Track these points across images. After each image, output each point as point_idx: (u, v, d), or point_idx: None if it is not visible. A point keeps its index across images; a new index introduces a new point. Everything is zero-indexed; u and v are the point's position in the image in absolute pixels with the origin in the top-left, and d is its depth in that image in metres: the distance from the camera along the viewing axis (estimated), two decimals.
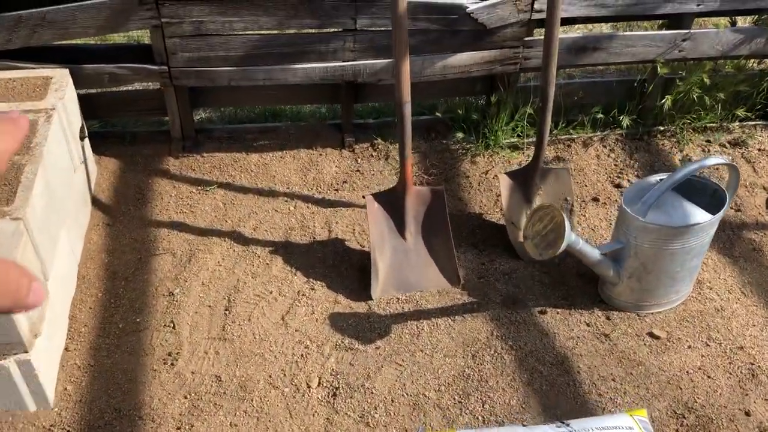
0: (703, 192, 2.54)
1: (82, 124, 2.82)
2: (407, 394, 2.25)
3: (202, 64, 2.82)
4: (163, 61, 2.80)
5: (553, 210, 2.17)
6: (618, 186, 3.18)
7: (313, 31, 2.83)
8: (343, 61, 2.91)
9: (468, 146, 3.30)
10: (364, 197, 2.65)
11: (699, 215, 2.35)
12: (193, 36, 2.73)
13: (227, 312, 2.50)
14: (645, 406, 2.19)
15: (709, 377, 2.33)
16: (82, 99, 2.93)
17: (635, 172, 3.25)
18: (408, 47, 2.35)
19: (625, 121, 3.32)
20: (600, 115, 3.36)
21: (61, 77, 2.68)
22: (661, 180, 2.47)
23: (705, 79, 3.22)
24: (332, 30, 2.84)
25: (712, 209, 2.44)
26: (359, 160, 3.24)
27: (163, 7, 2.63)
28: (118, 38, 3.50)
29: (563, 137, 3.39)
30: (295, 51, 2.85)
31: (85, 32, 2.64)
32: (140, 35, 3.46)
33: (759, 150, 3.42)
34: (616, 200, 3.09)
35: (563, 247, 2.13)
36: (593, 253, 2.36)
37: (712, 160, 2.41)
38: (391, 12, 2.29)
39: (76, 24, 2.61)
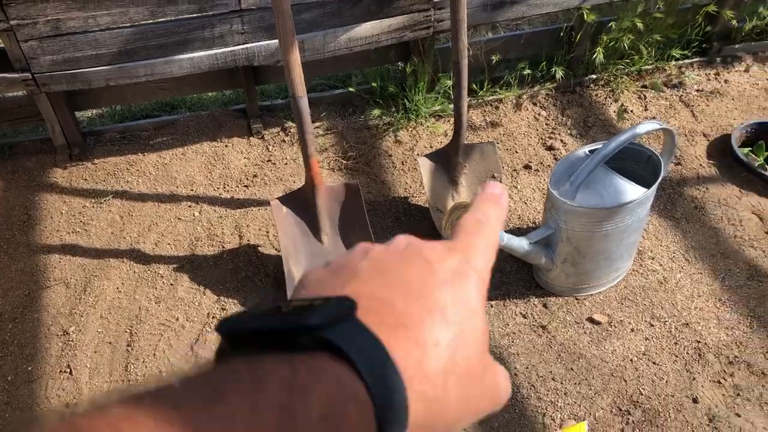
0: (637, 159, 2.33)
1: None
2: None
3: (71, 66, 2.47)
4: (24, 67, 2.44)
5: None
6: (550, 148, 2.96)
7: (194, 15, 2.48)
8: (234, 45, 2.58)
9: (388, 120, 3.03)
10: (270, 203, 2.39)
11: (632, 191, 2.14)
12: (52, 36, 2.37)
13: (129, 348, 2.25)
14: (588, 412, 2.03)
15: (654, 363, 2.18)
16: None
17: (568, 131, 3.03)
18: (294, 35, 2.05)
19: (559, 72, 3.07)
20: (527, 71, 3.10)
21: None
22: (590, 153, 2.25)
23: (638, 24, 2.97)
24: (216, 12, 2.49)
25: (648, 178, 2.25)
26: (270, 147, 2.95)
27: (9, 8, 2.26)
28: None
29: (490, 98, 3.14)
30: (177, 40, 2.51)
31: None
32: None
33: (697, 91, 3.22)
34: (549, 166, 2.88)
35: None
36: (521, 245, 2.16)
37: (644, 128, 2.19)
38: None
39: None
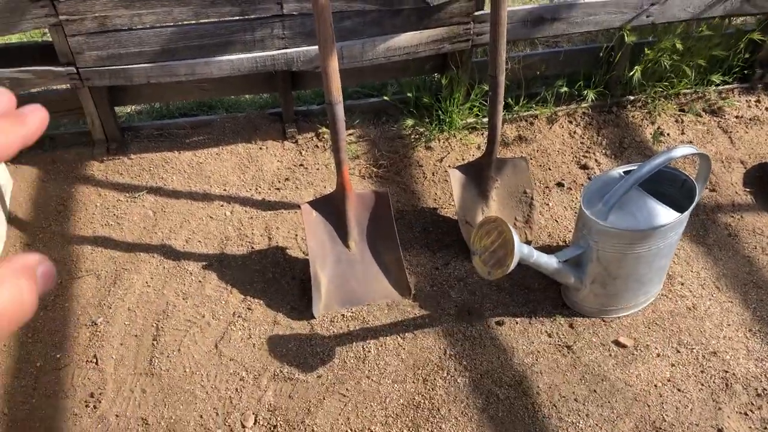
0: (672, 182, 2.31)
1: None
2: (351, 430, 2.05)
3: (114, 62, 2.52)
4: (70, 61, 2.50)
5: (501, 224, 1.93)
6: (584, 167, 2.94)
7: (236, 18, 2.52)
8: (274, 50, 2.62)
9: (421, 131, 3.04)
10: (300, 206, 2.40)
11: (665, 215, 2.12)
12: (98, 33, 2.42)
13: (155, 342, 2.28)
14: None
15: (679, 390, 2.14)
16: None
17: (603, 150, 3.01)
18: (334, 43, 2.07)
19: (590, 95, 3.05)
20: (564, 89, 3.09)
21: None
22: (625, 174, 2.23)
23: (677, 45, 2.94)
24: (258, 16, 2.53)
25: (682, 202, 2.22)
26: (303, 152, 2.97)
27: (59, 4, 2.32)
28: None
29: (525, 114, 3.13)
30: (219, 42, 2.55)
31: None
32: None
33: (737, 117, 3.17)
34: (582, 184, 2.86)
35: (513, 266, 1.91)
36: (550, 263, 2.14)
37: (680, 152, 2.16)
38: (312, 4, 1.99)
39: None
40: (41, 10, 2.32)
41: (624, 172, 2.26)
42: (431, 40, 2.72)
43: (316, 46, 2.63)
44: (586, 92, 3.04)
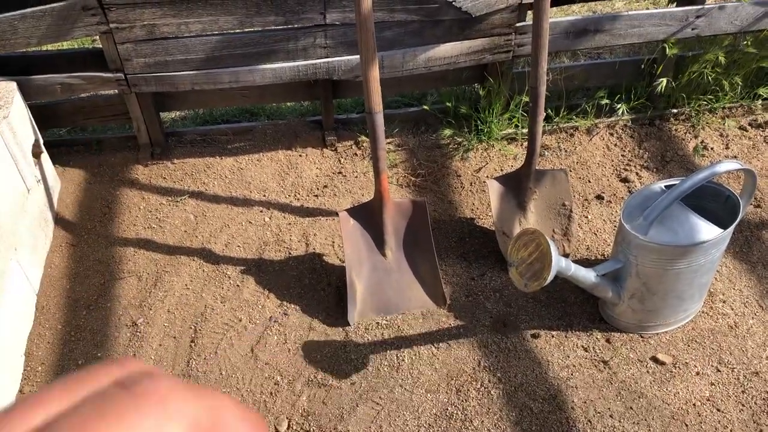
0: (715, 198, 2.27)
1: (37, 140, 2.62)
2: None
3: (161, 69, 2.58)
4: (118, 67, 2.57)
5: (538, 237, 1.92)
6: (625, 180, 2.90)
7: (279, 28, 2.56)
8: (316, 59, 2.65)
9: (460, 140, 3.04)
10: (338, 214, 2.43)
11: (707, 231, 2.08)
12: (147, 40, 2.49)
13: (193, 344, 2.32)
14: None
15: (718, 410, 2.10)
16: (38, 108, 2.73)
17: (644, 164, 2.97)
18: (376, 51, 2.09)
19: (625, 108, 3.02)
20: (605, 100, 3.06)
21: (6, 92, 2.47)
22: (666, 188, 2.20)
23: (721, 58, 2.89)
24: (301, 26, 2.57)
25: (725, 218, 2.18)
26: (342, 160, 3.00)
27: (110, 12, 2.39)
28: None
29: (565, 125, 3.11)
30: (262, 50, 2.60)
31: (27, 42, 2.41)
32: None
33: None
34: (622, 197, 2.82)
35: (550, 279, 1.90)
36: (588, 277, 2.12)
37: (724, 167, 2.12)
38: (355, 14, 2.02)
39: (16, 34, 2.38)
40: (93, 18, 2.39)
41: (665, 186, 2.23)
42: (472, 51, 2.72)
43: (358, 56, 2.66)
44: (620, 106, 3.00)
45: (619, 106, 3.01)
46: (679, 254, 2.08)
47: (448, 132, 3.00)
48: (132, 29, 2.45)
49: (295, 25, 2.56)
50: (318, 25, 2.56)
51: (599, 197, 2.84)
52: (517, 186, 2.58)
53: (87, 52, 2.85)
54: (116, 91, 2.71)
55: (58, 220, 2.75)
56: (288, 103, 3.31)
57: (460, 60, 2.75)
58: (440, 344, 2.30)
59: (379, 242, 2.45)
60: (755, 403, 2.11)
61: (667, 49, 2.83)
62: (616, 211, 2.77)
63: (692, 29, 2.83)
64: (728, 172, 2.17)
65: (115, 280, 2.54)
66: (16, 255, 2.31)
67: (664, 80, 2.93)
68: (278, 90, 2.90)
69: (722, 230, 2.09)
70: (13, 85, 2.51)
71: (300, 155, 3.01)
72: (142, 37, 2.48)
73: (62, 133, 3.14)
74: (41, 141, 2.66)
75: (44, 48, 2.85)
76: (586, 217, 2.76)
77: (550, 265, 1.88)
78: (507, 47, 2.74)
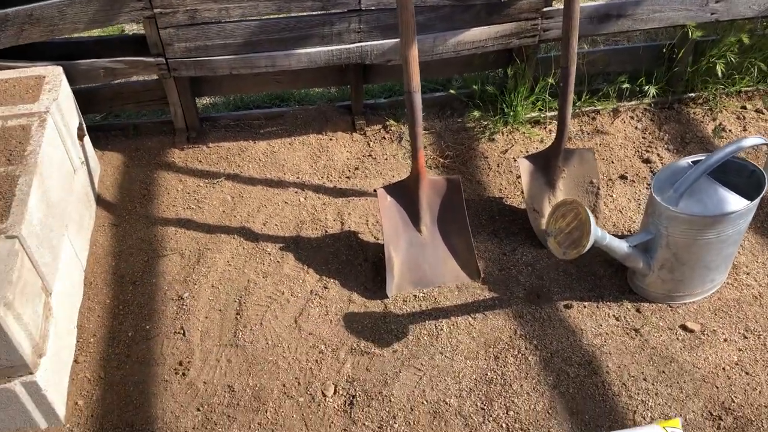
0: (740, 173, 2.36)
1: (80, 123, 2.71)
2: (427, 401, 2.15)
3: (201, 54, 2.67)
4: (160, 52, 2.66)
5: (577, 206, 2.01)
6: (647, 161, 3.00)
7: (316, 13, 2.65)
8: (349, 43, 2.74)
9: (485, 123, 3.14)
10: (375, 191, 2.52)
11: (735, 202, 2.17)
12: (188, 25, 2.58)
13: (238, 316, 2.41)
14: (679, 413, 2.07)
15: (747, 374, 2.19)
16: (79, 93, 2.82)
17: (665, 145, 3.06)
18: (415, 32, 2.18)
19: (651, 90, 3.11)
20: (626, 85, 3.16)
21: (54, 76, 2.56)
22: (693, 163, 2.29)
23: (744, 39, 2.98)
24: (337, 11, 2.66)
25: (750, 192, 2.27)
26: (371, 143, 3.09)
27: None
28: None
29: (587, 109, 3.20)
30: (298, 35, 2.69)
31: (74, 28, 2.50)
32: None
33: None
34: (645, 177, 2.92)
35: (589, 246, 1.99)
36: (621, 247, 2.21)
37: (750, 141, 2.22)
38: None
39: (64, 20, 2.47)
40: (138, 3, 2.48)
41: (692, 162, 2.32)
42: (500, 35, 2.81)
43: (390, 41, 2.76)
44: (648, 88, 3.10)
45: (647, 88, 3.10)
46: (709, 225, 2.17)
47: (476, 114, 3.09)
48: (175, 14, 2.54)
49: (331, 11, 2.65)
50: (353, 10, 2.65)
51: (623, 177, 2.93)
52: (546, 164, 2.67)
53: (123, 38, 2.94)
54: (156, 76, 2.80)
55: (100, 201, 2.83)
56: (316, 90, 3.40)
57: (488, 44, 2.84)
58: (476, 315, 2.39)
59: (415, 219, 2.54)
60: None
61: (690, 33, 2.92)
62: (640, 191, 2.86)
63: (711, 14, 2.92)
64: (754, 146, 2.26)
65: (158, 257, 2.63)
66: (67, 231, 2.40)
67: (704, 61, 3.02)
68: (310, 75, 2.99)
69: (749, 202, 2.18)
70: (60, 69, 2.59)
71: (330, 139, 3.10)
72: (184, 22, 2.57)
73: (98, 119, 3.22)
74: (84, 124, 2.74)
75: (80, 35, 2.93)
76: (611, 196, 2.85)
77: (589, 233, 1.97)
78: (533, 32, 2.84)
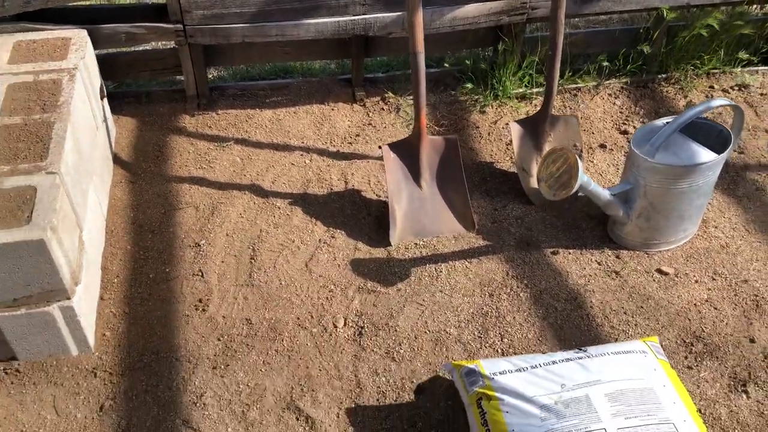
0: (708, 133, 2.62)
1: (102, 84, 2.89)
2: (429, 331, 2.36)
3: (217, 21, 2.87)
4: (178, 19, 2.85)
5: (566, 152, 2.25)
6: (624, 133, 3.26)
7: None
8: (354, 15, 2.97)
9: (476, 97, 3.38)
10: (380, 147, 2.73)
11: (705, 155, 2.44)
12: None
13: (252, 260, 2.60)
14: (656, 335, 2.31)
15: (715, 308, 2.44)
16: (98, 60, 2.99)
17: (640, 119, 3.33)
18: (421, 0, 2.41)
19: (629, 67, 3.38)
20: (605, 63, 3.43)
21: (79, 38, 2.74)
22: (668, 123, 2.55)
23: (713, 23, 3.27)
24: None
25: (718, 149, 2.53)
26: (370, 113, 3.31)
27: None
28: None
29: (570, 86, 3.46)
30: (307, 6, 2.91)
31: None
32: None
33: (761, 94, 3.49)
34: (622, 146, 3.18)
35: (576, 186, 2.23)
36: (604, 194, 2.46)
37: (717, 102, 2.49)
38: None
39: None
40: None
41: (667, 122, 2.58)
42: (492, 12, 3.06)
43: (392, 14, 2.99)
44: (629, 67, 3.37)
45: (625, 67, 3.38)
46: (682, 174, 2.43)
47: (469, 85, 3.33)
48: None
49: None
50: None
51: (602, 146, 3.19)
52: (534, 129, 2.91)
53: (144, 6, 3.13)
54: (174, 43, 2.99)
55: (117, 160, 3.01)
56: (317, 64, 3.61)
57: (481, 21, 3.08)
58: (472, 259, 2.62)
59: (416, 174, 2.76)
60: (746, 303, 2.46)
61: (666, 14, 3.20)
62: (618, 158, 3.12)
63: None
64: (720, 106, 2.53)
65: (174, 210, 2.81)
66: (92, 182, 2.57)
67: (683, 35, 3.30)
68: (315, 47, 3.20)
69: (718, 155, 2.44)
70: (85, 32, 2.77)
71: (332, 109, 3.32)
72: None
73: (111, 87, 3.39)
74: (104, 86, 2.92)
75: (102, 2, 3.11)
76: (592, 161, 3.11)
77: (578, 175, 2.21)
78: (522, 10, 3.09)
